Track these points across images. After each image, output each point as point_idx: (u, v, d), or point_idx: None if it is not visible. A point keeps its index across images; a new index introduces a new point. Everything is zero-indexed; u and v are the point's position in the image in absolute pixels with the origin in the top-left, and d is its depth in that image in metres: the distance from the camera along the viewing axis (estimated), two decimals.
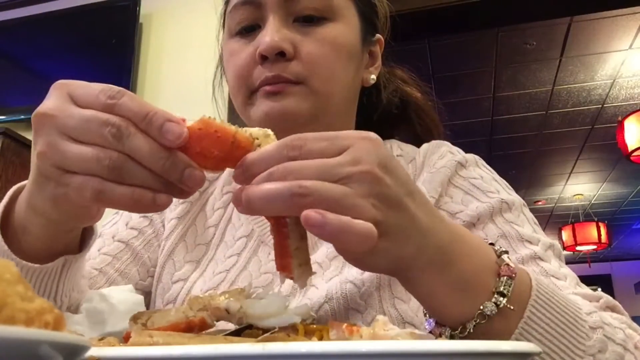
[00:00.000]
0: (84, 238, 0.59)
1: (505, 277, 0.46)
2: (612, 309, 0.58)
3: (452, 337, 0.47)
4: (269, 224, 0.47)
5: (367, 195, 0.40)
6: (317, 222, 0.38)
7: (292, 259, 0.43)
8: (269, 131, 0.45)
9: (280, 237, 0.44)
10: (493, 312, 0.45)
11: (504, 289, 0.46)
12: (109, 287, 0.74)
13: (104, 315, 0.60)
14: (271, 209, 0.41)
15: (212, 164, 0.43)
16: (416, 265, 0.44)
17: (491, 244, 0.51)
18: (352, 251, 0.43)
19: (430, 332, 0.50)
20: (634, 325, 0.55)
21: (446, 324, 0.48)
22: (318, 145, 0.41)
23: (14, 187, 0.56)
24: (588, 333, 0.49)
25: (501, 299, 0.45)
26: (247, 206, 0.41)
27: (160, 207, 0.43)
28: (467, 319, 0.46)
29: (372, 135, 0.44)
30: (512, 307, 0.45)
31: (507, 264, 0.47)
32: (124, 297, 0.62)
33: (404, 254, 0.43)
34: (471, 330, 0.45)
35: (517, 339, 0.45)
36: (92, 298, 0.62)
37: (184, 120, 0.43)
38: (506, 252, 0.49)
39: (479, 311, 0.45)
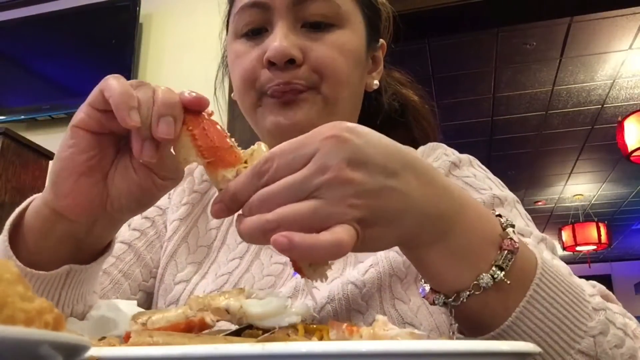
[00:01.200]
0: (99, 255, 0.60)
1: (506, 251, 0.46)
2: (606, 297, 0.58)
3: (444, 305, 0.47)
4: None
5: (341, 200, 0.40)
6: (284, 246, 0.38)
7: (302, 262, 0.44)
8: (257, 145, 0.48)
9: None
10: (488, 284, 0.45)
11: (503, 262, 0.45)
12: (112, 287, 0.75)
13: (109, 325, 0.60)
14: (259, 241, 0.42)
15: (203, 142, 0.47)
16: (418, 236, 0.44)
17: (498, 215, 0.50)
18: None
19: (423, 297, 0.50)
20: (629, 314, 0.55)
21: (441, 291, 0.47)
22: (285, 161, 0.41)
23: (31, 197, 0.57)
24: (591, 314, 0.48)
25: (499, 272, 0.45)
26: (244, 238, 0.43)
27: (128, 122, 0.45)
28: (463, 288, 0.45)
29: (338, 128, 0.41)
30: (508, 282, 0.45)
31: (511, 238, 0.47)
32: (131, 310, 0.62)
33: (403, 230, 0.43)
34: (464, 300, 0.45)
35: (517, 317, 0.45)
36: (100, 306, 0.62)
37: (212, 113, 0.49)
38: (512, 225, 0.48)
39: (475, 282, 0.45)
